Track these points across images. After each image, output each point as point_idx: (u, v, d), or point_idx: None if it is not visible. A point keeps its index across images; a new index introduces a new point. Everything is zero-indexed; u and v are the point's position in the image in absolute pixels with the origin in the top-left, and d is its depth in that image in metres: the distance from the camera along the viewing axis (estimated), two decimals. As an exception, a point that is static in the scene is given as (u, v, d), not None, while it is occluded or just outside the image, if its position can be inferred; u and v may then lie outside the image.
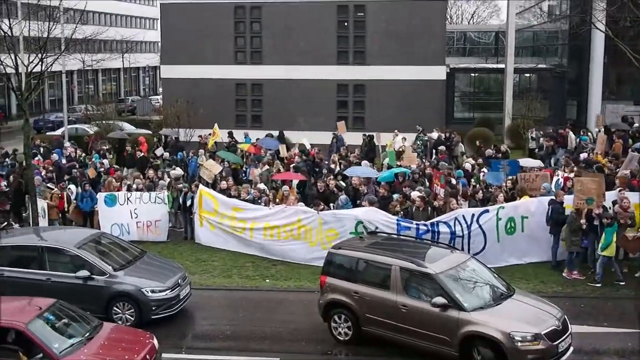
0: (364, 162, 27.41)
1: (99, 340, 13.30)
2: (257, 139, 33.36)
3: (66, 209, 23.51)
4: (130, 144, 33.32)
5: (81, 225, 23.32)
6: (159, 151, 32.21)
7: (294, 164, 26.83)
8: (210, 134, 33.07)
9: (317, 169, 27.50)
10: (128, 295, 15.87)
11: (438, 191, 20.78)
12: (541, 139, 32.35)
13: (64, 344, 12.80)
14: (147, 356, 13.12)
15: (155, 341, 13.71)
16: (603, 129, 31.69)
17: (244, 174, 27.02)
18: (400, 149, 29.50)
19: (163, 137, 36.60)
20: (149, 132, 40.69)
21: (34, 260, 16.97)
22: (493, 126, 40.63)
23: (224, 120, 37.34)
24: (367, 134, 34.44)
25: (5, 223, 20.97)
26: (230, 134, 35.31)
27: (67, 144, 34.93)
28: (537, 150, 32.09)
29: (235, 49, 41.78)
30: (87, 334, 13.37)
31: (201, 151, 29.87)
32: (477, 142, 32.73)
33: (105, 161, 28.36)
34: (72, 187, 24.54)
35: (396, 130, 34.49)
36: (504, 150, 29.90)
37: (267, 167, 26.23)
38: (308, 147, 31.12)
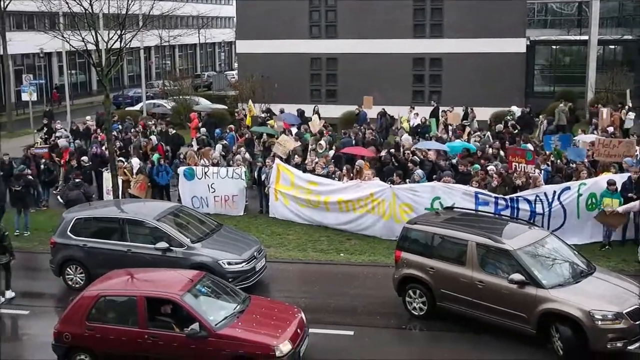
0: (407, 137, 27.21)
1: (250, 313, 13.37)
2: (270, 116, 33.45)
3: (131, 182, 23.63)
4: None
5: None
6: (203, 131, 32.12)
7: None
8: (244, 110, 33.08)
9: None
10: (205, 267, 16.04)
11: (522, 169, 20.12)
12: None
13: (218, 316, 12.96)
14: (298, 330, 13.18)
15: (303, 314, 13.81)
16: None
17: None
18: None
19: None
20: (225, 107, 41.07)
21: (115, 232, 17.45)
22: (575, 100, 39.53)
23: (299, 95, 37.38)
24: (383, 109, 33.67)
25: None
26: (268, 110, 35.44)
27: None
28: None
29: (310, 23, 41.66)
30: (238, 306, 13.48)
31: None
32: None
33: (153, 137, 28.59)
34: (134, 160, 24.72)
35: (411, 107, 34.04)
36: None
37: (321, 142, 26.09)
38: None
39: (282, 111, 34.14)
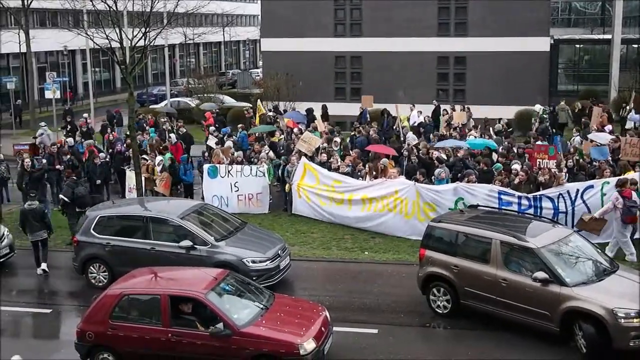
0: (412, 135, 27.33)
1: (275, 311, 13.38)
2: (275, 114, 33.53)
3: (154, 181, 23.72)
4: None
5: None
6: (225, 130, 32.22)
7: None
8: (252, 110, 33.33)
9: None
10: (229, 265, 16.05)
11: (545, 165, 20.04)
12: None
13: (242, 314, 12.99)
14: (322, 328, 13.17)
15: (327, 312, 13.82)
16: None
17: (281, 147, 26.94)
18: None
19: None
20: (249, 105, 41.24)
21: (139, 230, 17.52)
22: (598, 99, 39.25)
23: (324, 93, 37.46)
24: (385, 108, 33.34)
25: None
26: (275, 108, 35.61)
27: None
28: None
29: (334, 21, 41.76)
30: (262, 304, 13.50)
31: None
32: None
33: (173, 135, 28.76)
34: (159, 158, 24.63)
35: (412, 105, 33.94)
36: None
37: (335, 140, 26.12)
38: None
39: (310, 110, 34.29)
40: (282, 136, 28.06)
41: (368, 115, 33.37)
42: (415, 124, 30.88)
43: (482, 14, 38.82)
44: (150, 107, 45.75)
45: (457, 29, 39.75)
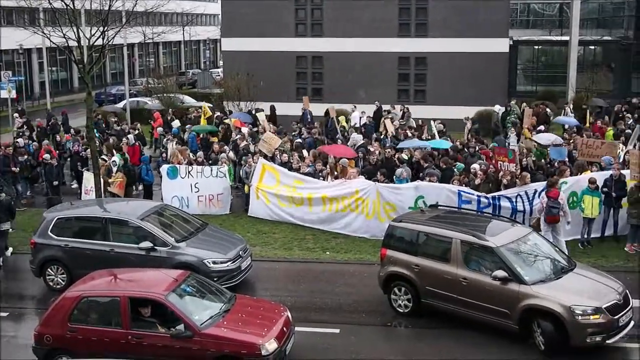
0: (357, 135, 27.62)
1: (236, 312, 13.32)
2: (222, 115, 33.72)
3: (108, 182, 23.29)
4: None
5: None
6: (175, 123, 31.98)
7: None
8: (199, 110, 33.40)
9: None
10: (190, 267, 15.95)
11: (506, 168, 20.24)
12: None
13: (203, 316, 12.90)
14: (284, 328, 13.15)
15: (289, 313, 13.78)
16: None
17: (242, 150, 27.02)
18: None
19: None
20: (210, 104, 41.04)
21: (98, 232, 17.32)
22: (556, 99, 39.86)
23: (285, 93, 37.42)
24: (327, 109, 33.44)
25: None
26: (222, 109, 35.81)
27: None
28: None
29: (295, 21, 41.67)
30: (224, 305, 13.42)
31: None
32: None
33: (131, 136, 28.56)
34: (117, 158, 24.35)
35: (354, 105, 34.18)
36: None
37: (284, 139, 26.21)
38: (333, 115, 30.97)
39: (273, 108, 34.35)
40: (238, 136, 27.94)
41: (309, 116, 33.41)
42: (357, 125, 30.96)
43: (443, 14, 39.09)
44: (107, 107, 45.24)
45: (417, 29, 39.96)
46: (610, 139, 25.48)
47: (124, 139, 27.69)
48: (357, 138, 27.25)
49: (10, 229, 20.19)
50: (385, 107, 34.43)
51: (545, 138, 24.76)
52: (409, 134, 27.30)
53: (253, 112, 34.37)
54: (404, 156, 22.77)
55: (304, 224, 21.65)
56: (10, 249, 19.89)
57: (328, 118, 31.69)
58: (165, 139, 29.09)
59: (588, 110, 31.28)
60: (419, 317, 15.20)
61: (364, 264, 18.63)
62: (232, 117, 31.34)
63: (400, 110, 33.43)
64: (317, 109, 34.53)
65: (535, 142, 24.18)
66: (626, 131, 26.56)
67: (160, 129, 30.77)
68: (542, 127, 28.22)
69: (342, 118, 31.24)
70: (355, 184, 20.64)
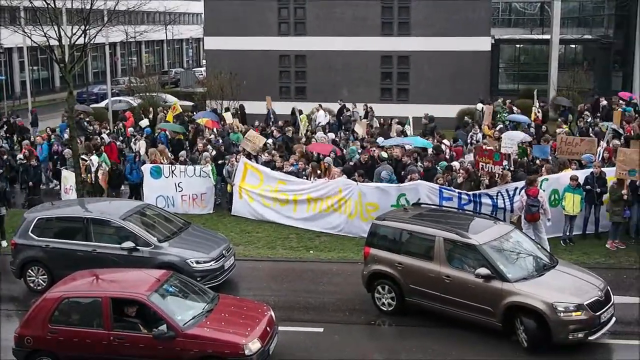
0: (330, 134, 27.79)
1: (219, 312, 13.25)
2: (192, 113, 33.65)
3: (89, 181, 23.13)
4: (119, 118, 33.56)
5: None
6: (144, 122, 31.79)
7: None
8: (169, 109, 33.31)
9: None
10: (173, 266, 15.86)
11: (490, 169, 20.17)
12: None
13: (186, 316, 12.81)
14: (267, 328, 13.10)
15: (272, 312, 13.72)
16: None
17: (187, 146, 27.31)
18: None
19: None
20: (192, 103, 40.94)
21: (80, 232, 17.19)
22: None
23: (268, 92, 37.39)
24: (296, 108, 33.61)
25: None
26: (194, 107, 35.89)
27: None
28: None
29: (278, 20, 41.66)
30: (207, 305, 13.35)
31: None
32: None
33: (105, 135, 28.36)
34: (94, 158, 24.07)
35: (319, 104, 34.27)
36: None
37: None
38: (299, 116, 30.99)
39: (242, 107, 34.45)
40: (212, 135, 27.83)
41: (272, 115, 33.33)
42: (322, 124, 31.01)
43: (425, 13, 39.23)
44: (91, 105, 44.98)
45: (400, 28, 40.05)
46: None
47: (97, 137, 27.46)
48: (330, 136, 27.36)
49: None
50: (349, 105, 34.37)
51: (513, 135, 24.83)
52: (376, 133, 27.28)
53: (219, 111, 34.39)
54: (384, 154, 22.78)
55: (288, 224, 21.61)
56: (4, 243, 19.93)
57: (295, 117, 31.68)
58: (134, 139, 28.96)
59: (534, 107, 31.32)
60: (402, 315, 15.20)
61: (348, 262, 18.61)
62: (201, 117, 31.05)
63: (364, 109, 33.42)
64: (303, 108, 34.44)
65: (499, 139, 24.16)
66: (594, 129, 26.64)
67: (131, 129, 30.57)
68: (501, 125, 27.96)
69: (303, 117, 31.20)
70: (338, 183, 20.62)
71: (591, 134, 25.21)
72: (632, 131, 25.15)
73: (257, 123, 30.73)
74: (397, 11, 40.03)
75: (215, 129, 29.03)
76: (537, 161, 21.84)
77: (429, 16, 39.10)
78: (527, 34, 54.13)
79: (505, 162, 20.56)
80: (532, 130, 27.20)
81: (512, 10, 61.45)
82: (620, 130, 25.25)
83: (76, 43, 21.45)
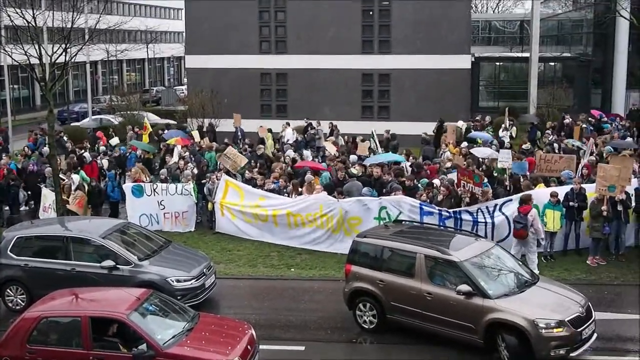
0: (305, 151, 27.95)
1: (199, 331, 13.13)
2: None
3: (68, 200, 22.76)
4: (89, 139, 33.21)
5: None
6: (114, 141, 31.60)
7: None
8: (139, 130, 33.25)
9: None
10: (153, 285, 15.75)
11: (470, 189, 20.18)
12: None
13: (166, 335, 12.68)
14: (248, 346, 12.97)
15: (253, 331, 13.62)
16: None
17: (156, 164, 27.24)
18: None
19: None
20: (174, 122, 40.85)
21: (59, 251, 17.07)
22: (517, 115, 40.32)
23: (249, 110, 37.41)
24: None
25: None
26: (167, 126, 35.78)
27: None
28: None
29: (260, 39, 41.71)
30: (187, 324, 13.23)
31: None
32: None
33: (87, 154, 28.06)
34: (75, 176, 24.02)
35: (285, 122, 34.37)
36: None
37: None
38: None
39: (212, 125, 34.22)
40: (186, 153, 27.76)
41: (240, 133, 33.31)
42: (290, 142, 31.02)
43: (405, 32, 39.44)
44: (72, 124, 44.80)
45: (381, 46, 40.21)
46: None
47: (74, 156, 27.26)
48: (306, 154, 27.47)
49: None
50: (314, 123, 34.15)
51: (481, 152, 25.03)
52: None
53: (188, 129, 34.35)
54: (353, 170, 22.82)
55: (270, 241, 21.56)
56: None
57: (311, 132, 31.81)
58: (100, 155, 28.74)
59: (504, 124, 31.60)
60: (384, 332, 15.16)
61: (329, 280, 18.58)
62: (171, 137, 30.78)
63: (329, 127, 33.51)
64: (279, 127, 34.48)
65: (468, 155, 24.29)
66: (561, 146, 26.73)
67: (102, 148, 30.40)
68: (465, 143, 27.66)
69: (269, 135, 31.20)
70: (318, 200, 20.63)
71: (557, 151, 25.29)
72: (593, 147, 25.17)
73: (225, 141, 30.23)
74: (377, 29, 40.21)
75: (187, 146, 28.78)
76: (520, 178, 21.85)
77: (409, 34, 39.32)
78: (507, 52, 54.79)
79: (485, 180, 20.71)
80: (495, 147, 27.04)
81: (492, 28, 62.18)
82: (584, 147, 25.44)
83: (57, 61, 21.35)
